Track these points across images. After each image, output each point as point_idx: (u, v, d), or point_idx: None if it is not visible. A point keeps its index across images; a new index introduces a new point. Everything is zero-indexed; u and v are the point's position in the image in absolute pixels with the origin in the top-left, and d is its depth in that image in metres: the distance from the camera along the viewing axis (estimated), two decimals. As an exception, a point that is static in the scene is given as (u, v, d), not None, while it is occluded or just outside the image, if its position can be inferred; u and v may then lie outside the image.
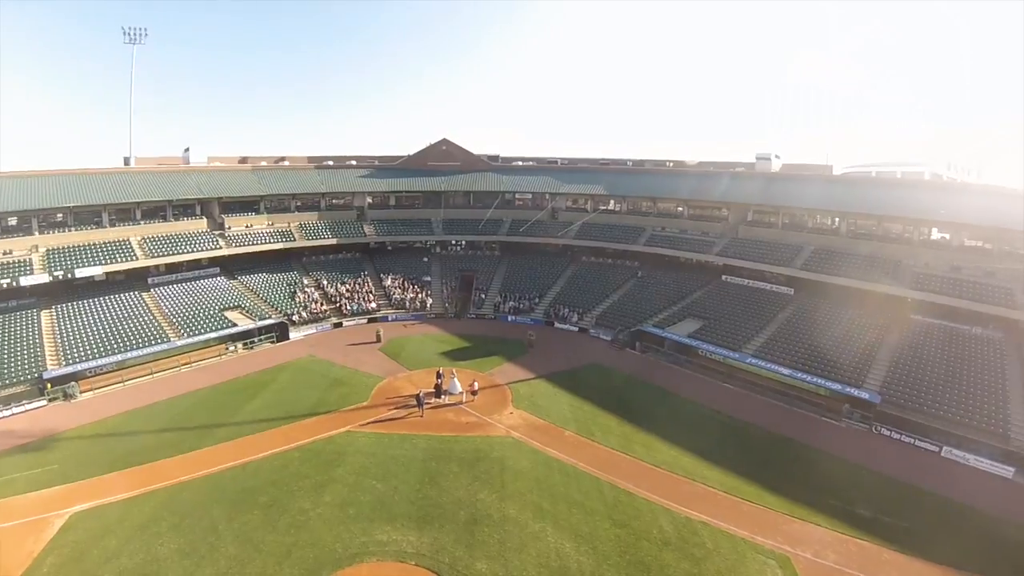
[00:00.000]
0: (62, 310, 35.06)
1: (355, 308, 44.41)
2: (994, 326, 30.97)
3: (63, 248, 37.18)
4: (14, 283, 33.30)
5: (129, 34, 53.49)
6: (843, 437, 26.56)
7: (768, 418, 28.01)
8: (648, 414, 27.83)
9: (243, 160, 55.04)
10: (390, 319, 44.40)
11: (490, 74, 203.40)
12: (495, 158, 61.20)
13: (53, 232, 38.34)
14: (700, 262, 45.59)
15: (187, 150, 52.14)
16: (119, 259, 38.28)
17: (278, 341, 38.57)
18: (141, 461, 22.20)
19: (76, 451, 23.35)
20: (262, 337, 38.22)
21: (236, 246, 44.41)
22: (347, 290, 46.36)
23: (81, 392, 29.46)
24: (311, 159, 58.25)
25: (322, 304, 44.15)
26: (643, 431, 25.79)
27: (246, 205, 48.47)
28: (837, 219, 43.02)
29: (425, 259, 53.06)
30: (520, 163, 62.07)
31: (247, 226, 46.81)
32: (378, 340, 38.62)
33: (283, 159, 57.78)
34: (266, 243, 46.16)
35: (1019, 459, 23.42)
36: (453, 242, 54.94)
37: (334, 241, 50.02)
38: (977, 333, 31.30)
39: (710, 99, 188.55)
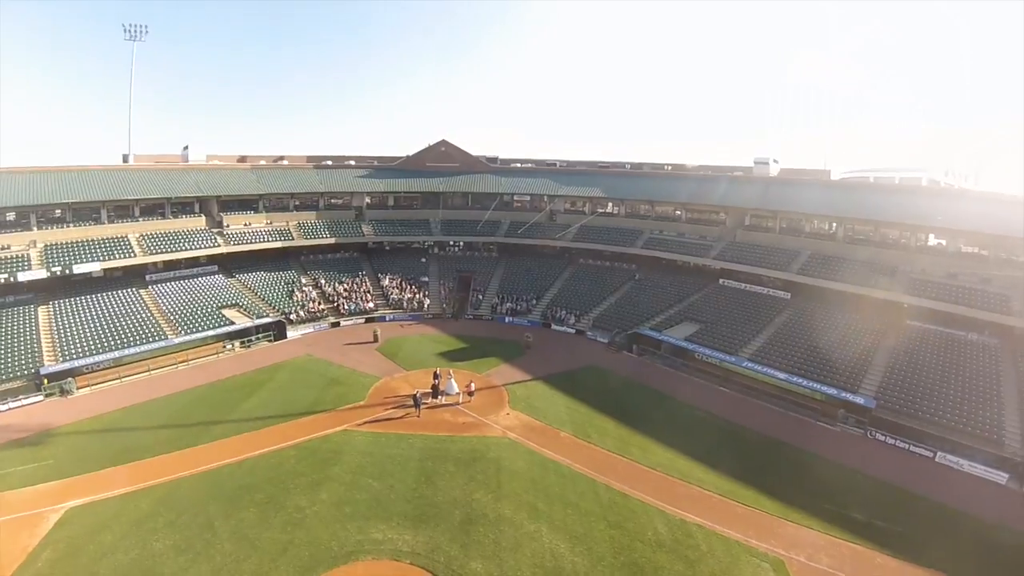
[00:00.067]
0: (59, 306, 34.99)
1: (353, 308, 44.42)
2: (990, 332, 31.14)
3: (61, 244, 37.13)
4: (11, 278, 33.18)
5: (129, 31, 53.78)
6: (838, 442, 26.65)
7: (764, 422, 28.10)
8: (644, 417, 27.89)
9: (242, 159, 55.08)
10: (387, 319, 44.42)
11: (489, 74, 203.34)
12: (494, 159, 61.45)
13: (51, 228, 38.33)
14: (697, 265, 45.77)
15: (186, 148, 52.20)
16: (117, 256, 38.28)
17: (275, 340, 38.57)
18: (137, 457, 22.19)
19: (72, 446, 23.31)
20: (259, 336, 38.20)
21: (234, 244, 44.45)
22: (345, 290, 46.37)
23: (78, 388, 29.40)
24: (310, 159, 58.39)
25: (320, 303, 44.16)
26: (639, 433, 25.83)
27: (245, 204, 48.46)
28: (834, 224, 43.21)
29: (423, 260, 53.07)
30: (519, 165, 62.31)
31: (245, 224, 46.82)
32: (375, 340, 38.66)
33: (282, 158, 57.88)
34: (264, 242, 46.19)
35: (1012, 465, 23.54)
36: (451, 243, 54.94)
37: (332, 240, 50.05)
38: (973, 339, 31.45)
39: (709, 99, 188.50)
